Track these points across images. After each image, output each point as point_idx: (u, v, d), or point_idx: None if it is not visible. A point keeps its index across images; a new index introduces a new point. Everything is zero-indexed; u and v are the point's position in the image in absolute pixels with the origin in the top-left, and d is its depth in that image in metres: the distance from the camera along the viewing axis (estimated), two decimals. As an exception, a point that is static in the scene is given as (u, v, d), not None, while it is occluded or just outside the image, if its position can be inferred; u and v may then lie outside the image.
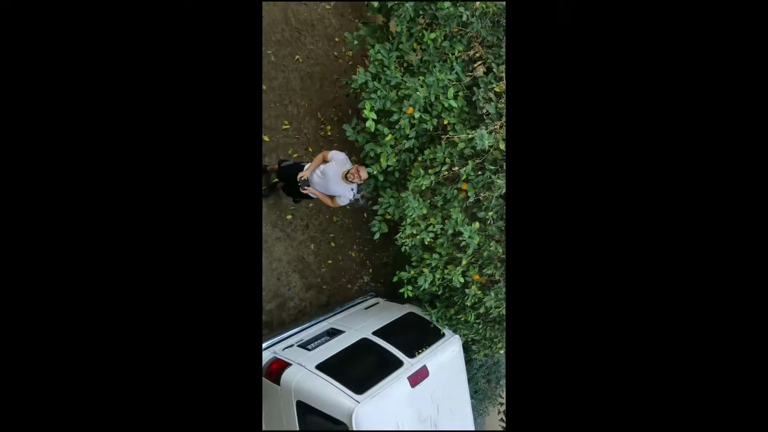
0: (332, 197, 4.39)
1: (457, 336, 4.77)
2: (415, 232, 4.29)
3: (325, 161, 4.27)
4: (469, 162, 4.00)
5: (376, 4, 4.18)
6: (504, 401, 6.44)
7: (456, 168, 4.12)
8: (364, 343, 4.42)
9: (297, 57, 5.55)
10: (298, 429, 4.04)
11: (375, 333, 4.53)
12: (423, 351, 4.43)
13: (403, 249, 4.43)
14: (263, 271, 5.12)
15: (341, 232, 5.99)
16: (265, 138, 5.18)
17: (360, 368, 4.22)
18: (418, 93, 3.97)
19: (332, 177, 4.23)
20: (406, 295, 4.57)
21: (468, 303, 4.42)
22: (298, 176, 4.35)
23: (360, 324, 4.72)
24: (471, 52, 4.09)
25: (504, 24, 3.95)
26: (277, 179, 4.99)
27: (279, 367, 4.16)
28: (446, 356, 4.57)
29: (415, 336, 4.66)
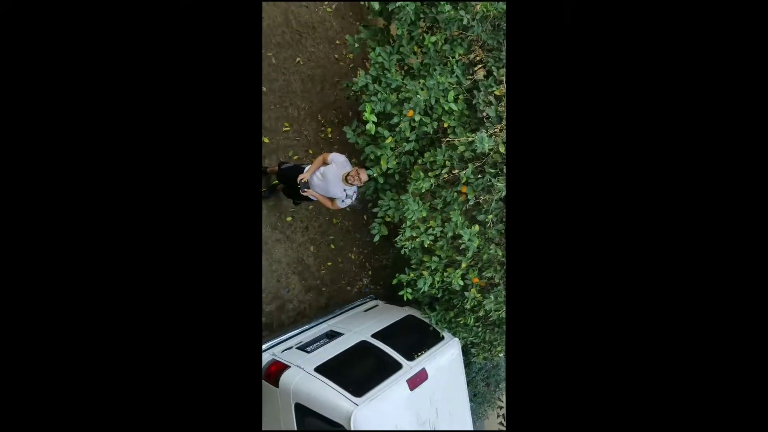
0: (332, 199, 4.39)
1: (457, 339, 4.77)
2: (414, 234, 4.29)
3: (325, 163, 4.27)
4: (469, 165, 4.00)
5: (377, 6, 4.19)
6: (503, 405, 6.43)
7: (456, 171, 4.12)
8: (363, 345, 4.42)
9: (298, 59, 5.56)
10: (296, 431, 4.03)
11: (374, 335, 4.52)
12: (422, 354, 4.43)
13: (402, 251, 4.43)
14: (263, 273, 5.12)
15: (341, 235, 5.99)
16: (266, 140, 5.19)
17: (359, 371, 4.22)
18: (418, 96, 3.97)
19: (332, 179, 4.23)
20: (405, 298, 4.57)
21: (467, 306, 4.42)
22: (299, 178, 4.35)
23: (359, 326, 4.72)
24: (471, 56, 4.10)
25: (504, 27, 3.96)
26: (277, 181, 4.99)
27: (278, 369, 4.16)
28: (445, 359, 4.57)
29: (414, 339, 4.66)
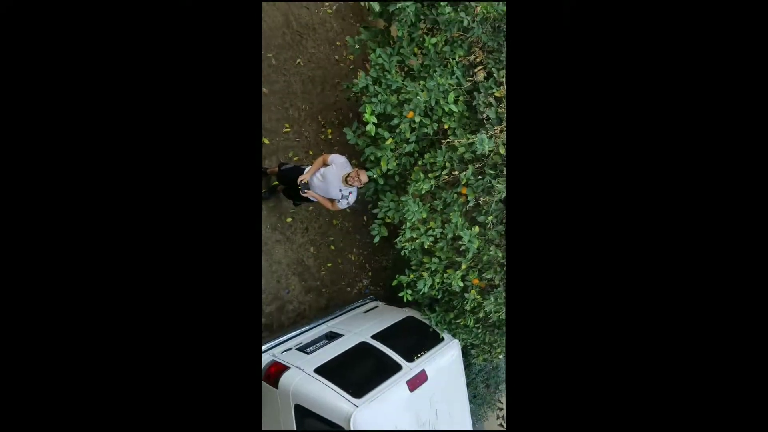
0: (332, 200, 4.39)
1: (456, 340, 4.77)
2: (414, 235, 4.29)
3: (325, 164, 4.27)
4: (469, 166, 4.00)
5: (377, 8, 4.20)
6: (503, 406, 6.43)
7: (456, 172, 4.12)
8: (363, 346, 4.41)
9: (298, 60, 5.56)
10: (295, 433, 4.03)
11: (374, 337, 4.52)
12: (422, 355, 4.42)
13: (402, 253, 4.43)
14: (263, 274, 5.12)
15: (341, 236, 5.99)
16: (266, 141, 5.19)
17: (359, 372, 4.22)
18: (418, 97, 3.98)
19: (332, 180, 4.24)
20: (405, 299, 4.57)
21: (467, 307, 4.42)
22: (299, 179, 4.35)
23: (359, 327, 4.72)
24: (471, 57, 4.10)
25: (504, 29, 3.96)
26: (277, 182, 5.00)
27: (277, 370, 4.15)
28: (445, 360, 4.56)
29: (414, 340, 4.65)
